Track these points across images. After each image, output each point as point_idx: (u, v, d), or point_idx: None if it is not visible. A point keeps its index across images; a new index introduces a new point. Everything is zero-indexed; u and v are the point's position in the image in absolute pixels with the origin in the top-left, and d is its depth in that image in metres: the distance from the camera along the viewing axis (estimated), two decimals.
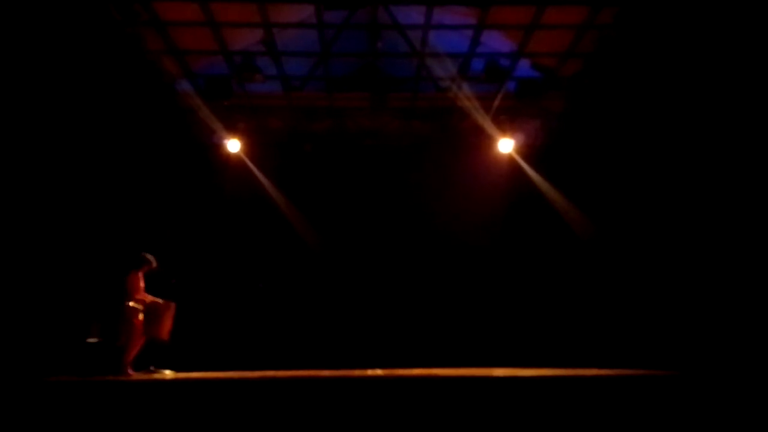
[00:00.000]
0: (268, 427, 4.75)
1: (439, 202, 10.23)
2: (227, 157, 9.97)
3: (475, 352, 9.22)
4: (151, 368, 7.46)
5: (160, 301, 7.20)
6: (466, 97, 9.30)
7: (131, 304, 6.96)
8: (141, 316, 7.02)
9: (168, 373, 7.57)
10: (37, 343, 6.63)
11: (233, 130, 9.85)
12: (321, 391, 5.01)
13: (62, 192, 7.33)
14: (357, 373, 6.62)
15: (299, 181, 10.38)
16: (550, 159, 10.04)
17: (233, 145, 9.82)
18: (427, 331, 9.77)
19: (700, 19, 6.88)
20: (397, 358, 8.86)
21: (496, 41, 8.37)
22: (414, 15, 7.88)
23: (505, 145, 9.90)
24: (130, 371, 6.90)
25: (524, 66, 8.85)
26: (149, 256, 7.21)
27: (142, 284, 7.12)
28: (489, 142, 9.99)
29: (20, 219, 6.64)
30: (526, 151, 10.15)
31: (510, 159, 10.09)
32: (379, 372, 7.03)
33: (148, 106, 8.87)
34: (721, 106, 7.00)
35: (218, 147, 10.03)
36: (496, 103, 9.46)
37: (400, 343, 9.54)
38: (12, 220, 6.53)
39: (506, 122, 9.91)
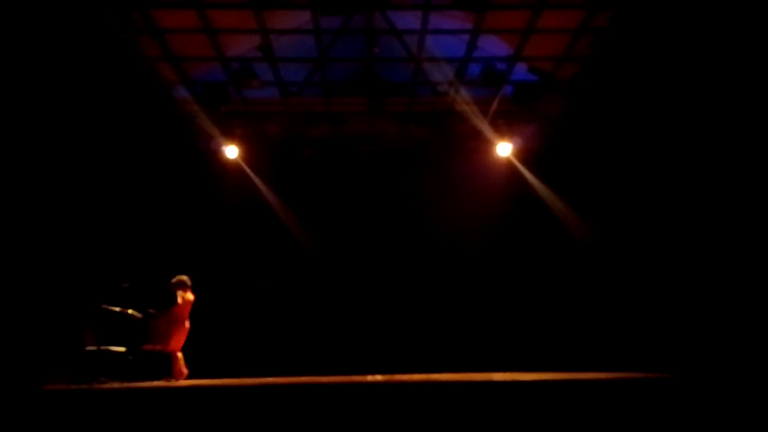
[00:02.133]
0: None
1: (438, 206, 10.23)
2: (225, 164, 9.98)
3: (474, 356, 9.20)
4: None
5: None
6: (463, 101, 9.32)
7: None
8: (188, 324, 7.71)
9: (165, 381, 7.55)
10: (34, 351, 6.60)
11: (231, 136, 9.86)
12: (320, 397, 4.98)
13: (58, 199, 7.31)
14: (356, 378, 6.59)
15: (297, 187, 10.38)
16: (548, 162, 10.04)
17: (231, 151, 9.83)
18: (426, 336, 9.75)
19: (695, 22, 6.89)
20: (396, 364, 8.84)
21: (493, 45, 8.39)
22: (411, 20, 7.90)
23: (503, 149, 9.91)
24: (185, 370, 7.55)
25: (521, 70, 8.87)
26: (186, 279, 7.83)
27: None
28: (487, 146, 10.00)
29: (17, 227, 6.62)
30: (525, 154, 10.15)
31: (508, 163, 10.09)
32: (378, 378, 7.01)
33: (146, 113, 8.88)
34: (719, 107, 7.00)
35: (216, 153, 10.04)
36: (494, 107, 9.48)
37: (399, 348, 9.52)
38: (8, 227, 6.51)
39: (504, 126, 9.92)
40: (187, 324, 7.71)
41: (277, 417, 4.75)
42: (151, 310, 7.41)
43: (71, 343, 6.98)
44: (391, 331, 9.84)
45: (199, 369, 8.78)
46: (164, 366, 7.43)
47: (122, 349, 7.31)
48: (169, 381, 7.31)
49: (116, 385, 6.38)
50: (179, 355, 7.63)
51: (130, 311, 7.45)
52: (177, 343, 7.59)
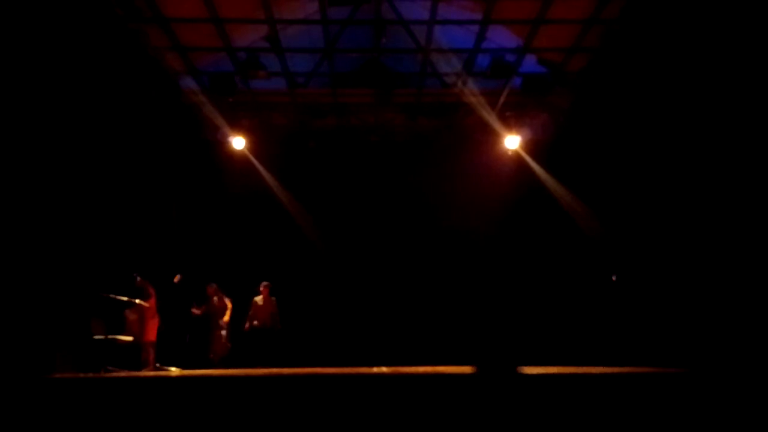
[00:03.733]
0: (274, 425, 4.73)
1: (445, 198, 10.18)
2: (232, 154, 9.96)
3: (481, 348, 9.17)
4: (157, 365, 7.50)
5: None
6: (471, 93, 9.24)
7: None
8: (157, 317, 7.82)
9: (173, 370, 7.59)
10: (42, 340, 6.64)
11: (238, 126, 9.84)
12: (326, 388, 4.98)
13: (65, 189, 7.32)
14: (362, 370, 6.60)
15: (304, 178, 10.36)
16: (556, 155, 9.96)
17: (238, 142, 9.81)
18: (432, 328, 9.72)
19: (706, 13, 6.79)
20: (402, 355, 8.84)
21: (502, 36, 8.31)
22: (419, 10, 7.83)
23: (511, 142, 9.84)
24: (157, 364, 7.60)
25: (530, 61, 8.78)
26: None
27: None
28: (495, 138, 9.93)
29: (23, 216, 6.63)
30: (533, 146, 10.08)
31: (516, 155, 10.02)
32: (384, 369, 7.01)
33: (153, 103, 8.85)
34: (729, 100, 6.91)
35: (223, 144, 10.03)
36: (502, 99, 9.40)
37: (405, 339, 9.51)
38: (15, 217, 6.52)
39: (512, 118, 9.85)
40: (156, 317, 7.75)
41: (284, 407, 4.75)
42: (136, 300, 7.47)
43: (79, 332, 7.01)
44: (397, 323, 9.82)
45: (208, 359, 8.79)
46: (133, 356, 7.48)
47: (129, 338, 7.35)
48: (138, 371, 7.32)
49: (123, 373, 6.42)
50: (148, 344, 7.63)
51: (137, 301, 7.49)
52: (148, 334, 7.59)
